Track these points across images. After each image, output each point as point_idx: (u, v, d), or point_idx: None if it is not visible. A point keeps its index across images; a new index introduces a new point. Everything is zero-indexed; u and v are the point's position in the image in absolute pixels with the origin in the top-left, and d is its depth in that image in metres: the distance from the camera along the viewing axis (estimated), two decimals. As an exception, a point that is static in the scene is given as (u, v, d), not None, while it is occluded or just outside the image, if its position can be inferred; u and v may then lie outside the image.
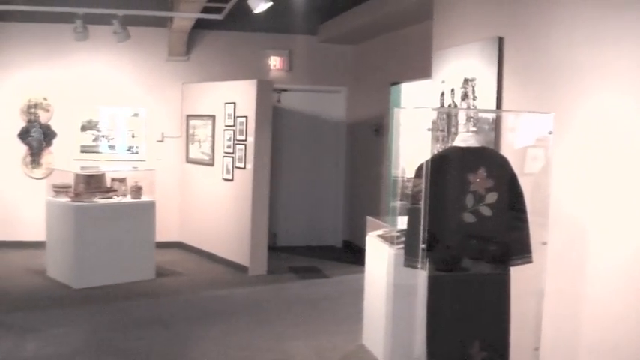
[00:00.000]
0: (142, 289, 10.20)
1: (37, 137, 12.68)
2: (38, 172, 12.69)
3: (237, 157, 11.37)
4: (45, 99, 12.66)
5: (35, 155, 12.70)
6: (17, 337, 7.80)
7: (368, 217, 7.86)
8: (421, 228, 5.08)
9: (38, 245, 11.41)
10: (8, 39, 12.53)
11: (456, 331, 5.21)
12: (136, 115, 12.88)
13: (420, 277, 5.30)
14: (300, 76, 13.31)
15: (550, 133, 5.31)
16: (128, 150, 12.90)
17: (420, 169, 5.21)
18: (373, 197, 12.10)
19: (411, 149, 8.62)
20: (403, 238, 6.22)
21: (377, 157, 12.05)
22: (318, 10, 11.92)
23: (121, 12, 10.48)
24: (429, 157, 5.33)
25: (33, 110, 12.65)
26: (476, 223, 5.16)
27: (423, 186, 5.09)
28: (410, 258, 5.24)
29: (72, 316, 8.79)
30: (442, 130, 7.57)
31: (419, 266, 5.15)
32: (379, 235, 7.41)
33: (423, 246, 5.08)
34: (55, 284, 10.34)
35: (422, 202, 5.09)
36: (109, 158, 12.71)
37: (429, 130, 6.37)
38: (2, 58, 12.55)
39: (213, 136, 12.04)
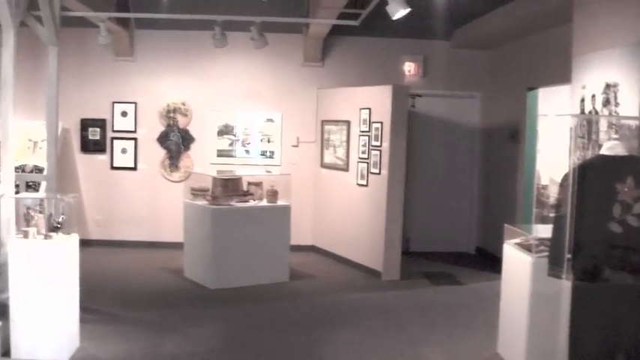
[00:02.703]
0: (276, 291, 10.34)
1: (175, 141, 13.01)
2: (176, 175, 13.01)
3: (372, 163, 11.38)
4: (183, 104, 12.98)
5: (173, 159, 13.03)
6: (156, 335, 8.03)
7: (506, 224, 7.75)
8: (567, 237, 4.99)
9: (176, 246, 11.72)
10: (149, 46, 12.93)
11: (601, 342, 5.09)
12: (270, 120, 13.05)
13: (562, 286, 5.21)
14: (435, 81, 13.24)
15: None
16: (262, 154, 13.09)
17: (566, 177, 5.11)
18: (508, 204, 11.93)
19: (551, 156, 8.48)
20: (543, 247, 6.13)
21: (512, 163, 11.86)
22: (453, 15, 11.84)
23: (258, 19, 10.63)
24: (568, 164, 5.23)
25: (172, 115, 12.99)
26: (622, 233, 5.03)
27: (570, 194, 4.99)
28: (554, 267, 5.16)
29: (208, 316, 8.99)
30: (582, 137, 7.42)
31: (563, 276, 5.05)
32: (517, 243, 7.29)
33: (568, 256, 4.98)
34: (191, 284, 10.59)
35: (568, 211, 5.00)
36: (244, 162, 12.94)
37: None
38: (143, 64, 12.95)
39: (348, 142, 12.09)
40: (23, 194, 8.84)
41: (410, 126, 11.49)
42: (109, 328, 8.19)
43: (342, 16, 10.78)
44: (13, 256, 6.81)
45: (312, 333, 8.29)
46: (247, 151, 13.09)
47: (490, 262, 11.65)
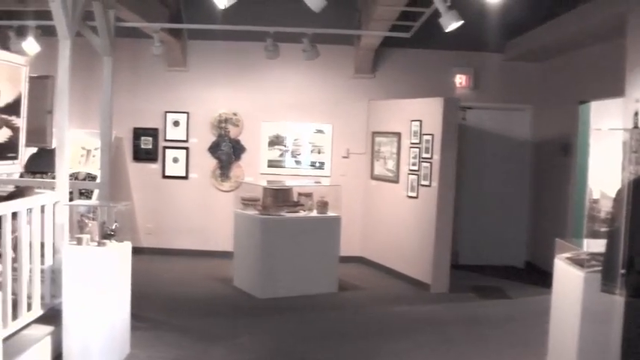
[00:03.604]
0: (325, 301, 10.36)
1: (226, 151, 13.12)
2: (227, 185, 13.12)
3: (422, 175, 11.37)
4: (235, 114, 13.08)
5: (224, 168, 13.13)
6: (204, 343, 8.09)
7: (557, 238, 7.68)
8: (620, 252, 4.94)
9: (226, 255, 11.81)
10: (202, 56, 13.09)
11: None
12: (320, 131, 13.10)
13: (614, 302, 5.15)
14: (486, 93, 13.19)
15: None
16: (311, 165, 13.14)
17: (620, 192, 5.06)
18: (558, 218, 11.82)
19: (602, 170, 8.40)
20: (594, 262, 6.07)
21: (564, 177, 11.75)
22: (505, 27, 11.78)
23: (310, 30, 10.69)
24: (621, 179, 5.18)
25: (223, 125, 13.09)
26: (676, 249, 4.97)
27: (624, 209, 4.94)
28: (607, 283, 5.10)
29: (256, 325, 9.03)
30: (635, 152, 7.34)
31: (617, 292, 4.99)
32: (568, 258, 7.22)
33: (622, 271, 4.92)
34: (240, 294, 10.65)
35: (622, 226, 4.94)
36: (294, 173, 13.02)
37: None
38: (195, 74, 13.11)
39: (398, 154, 12.08)
40: (77, 201, 8.96)
41: (460, 138, 11.44)
42: (159, 336, 8.27)
43: (393, 28, 10.81)
44: (66, 263, 6.92)
45: (360, 344, 8.29)
46: (298, 162, 13.15)
47: (539, 276, 11.56)
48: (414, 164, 11.62)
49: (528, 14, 11.27)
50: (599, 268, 5.64)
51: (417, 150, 11.54)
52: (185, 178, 13.23)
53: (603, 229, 5.57)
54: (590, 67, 11.05)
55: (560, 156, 11.94)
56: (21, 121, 7.27)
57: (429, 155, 11.22)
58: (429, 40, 11.81)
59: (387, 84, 13.09)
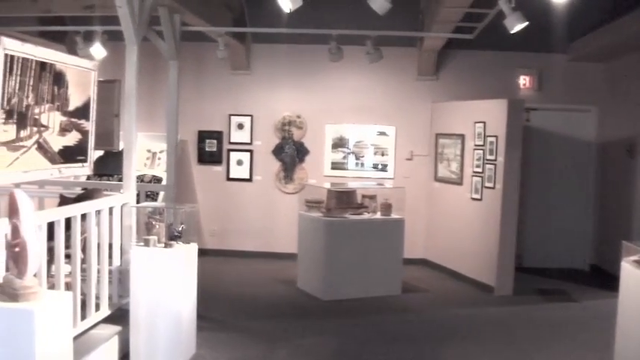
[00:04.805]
0: (389, 304, 10.36)
1: (290, 153, 13.20)
2: (290, 187, 13.20)
3: (486, 177, 11.31)
4: (298, 117, 13.17)
5: (288, 171, 13.22)
6: (269, 344, 8.17)
7: (624, 241, 7.59)
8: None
9: (290, 257, 11.93)
10: (265, 59, 13.20)
11: None
12: (382, 133, 13.11)
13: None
14: (550, 94, 13.04)
15: None
16: (374, 167, 13.16)
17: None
18: (624, 220, 11.69)
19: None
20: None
21: (629, 178, 11.62)
22: (570, 28, 11.67)
23: (374, 33, 10.70)
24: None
25: (287, 128, 13.18)
26: None
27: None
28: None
29: (320, 327, 9.09)
30: None
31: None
32: (635, 261, 7.14)
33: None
34: (304, 295, 10.72)
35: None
36: (358, 175, 13.05)
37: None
38: (259, 77, 13.23)
39: (462, 155, 12.03)
40: (145, 203, 9.09)
41: (525, 140, 11.35)
42: (224, 336, 8.38)
43: (457, 30, 10.77)
44: (134, 264, 7.04)
45: (424, 347, 8.29)
46: (361, 164, 13.17)
47: (605, 279, 11.42)
48: (477, 166, 11.57)
49: (593, 14, 11.18)
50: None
51: (481, 152, 11.48)
52: (249, 180, 13.35)
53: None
54: (656, 68, 10.93)
55: (625, 157, 11.80)
56: (90, 125, 7.39)
57: (493, 157, 11.16)
58: (492, 42, 11.71)
59: (450, 86, 13.06)
